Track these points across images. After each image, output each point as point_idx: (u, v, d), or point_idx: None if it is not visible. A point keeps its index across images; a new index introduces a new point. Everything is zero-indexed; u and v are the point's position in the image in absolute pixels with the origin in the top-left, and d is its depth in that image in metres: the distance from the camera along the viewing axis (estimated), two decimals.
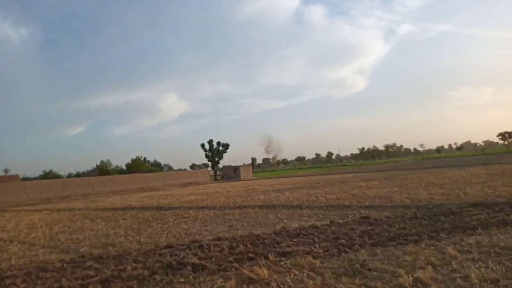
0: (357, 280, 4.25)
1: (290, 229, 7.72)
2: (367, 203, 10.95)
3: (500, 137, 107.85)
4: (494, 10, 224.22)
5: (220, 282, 4.60)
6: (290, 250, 5.61)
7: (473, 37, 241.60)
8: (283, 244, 6.06)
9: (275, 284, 4.28)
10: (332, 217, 9.16)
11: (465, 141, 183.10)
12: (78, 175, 66.54)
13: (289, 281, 4.39)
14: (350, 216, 9.01)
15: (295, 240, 6.46)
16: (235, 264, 5.19)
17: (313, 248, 5.69)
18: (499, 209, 7.91)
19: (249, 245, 6.24)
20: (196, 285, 4.59)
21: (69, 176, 68.15)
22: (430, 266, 4.51)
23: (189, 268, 5.15)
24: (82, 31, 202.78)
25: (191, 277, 4.86)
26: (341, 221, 8.23)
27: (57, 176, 62.26)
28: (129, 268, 5.43)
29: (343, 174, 37.72)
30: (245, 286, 4.37)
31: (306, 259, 5.18)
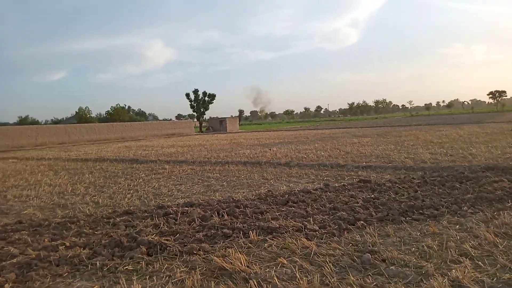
0: (370, 279, 3.04)
1: (277, 193, 6.48)
2: (364, 163, 9.78)
3: (490, 95, 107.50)
4: None
5: (180, 273, 3.34)
6: (277, 225, 4.37)
7: None
8: (269, 216, 4.82)
9: (255, 283, 3.04)
10: (326, 179, 7.95)
11: (453, 99, 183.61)
12: (56, 122, 63.71)
13: (275, 276, 3.15)
14: (346, 178, 7.82)
15: (283, 209, 5.22)
16: (205, 245, 3.93)
17: (306, 223, 4.46)
18: None
19: (225, 215, 4.98)
20: (147, 277, 3.33)
21: (46, 123, 65.32)
22: (466, 259, 3.32)
23: (144, 248, 3.87)
24: None
25: (142, 264, 3.59)
26: (337, 185, 7.02)
27: (34, 123, 59.52)
28: (66, 244, 4.12)
29: (333, 129, 36.67)
30: (212, 283, 3.12)
31: (298, 240, 3.95)
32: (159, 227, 4.66)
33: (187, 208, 5.51)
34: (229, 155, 14.08)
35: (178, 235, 4.28)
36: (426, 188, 6.13)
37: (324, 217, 4.67)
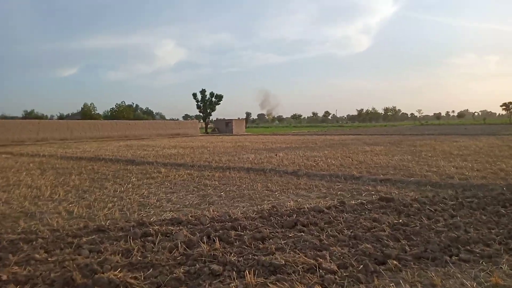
0: None
1: (283, 210, 5.43)
2: (381, 175, 8.69)
3: (504, 107, 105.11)
4: None
5: None
6: (283, 261, 3.32)
7: (481, 5, 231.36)
8: (272, 245, 3.78)
9: None
10: (339, 193, 6.89)
11: (463, 109, 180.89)
12: (61, 117, 63.10)
13: None
14: (364, 194, 6.75)
15: (290, 235, 4.18)
16: None
17: (320, 258, 3.41)
18: None
19: (217, 241, 3.94)
20: None
21: (51, 118, 64.75)
22: None
23: None
24: None
25: None
26: (353, 202, 5.95)
27: (38, 117, 58.97)
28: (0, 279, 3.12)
29: (341, 135, 35.49)
30: None
31: None
32: (131, 254, 3.64)
33: (171, 228, 4.48)
34: (232, 160, 13.06)
35: (152, 269, 3.26)
36: (465, 213, 5.03)
37: (343, 251, 3.61)
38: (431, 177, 8.34)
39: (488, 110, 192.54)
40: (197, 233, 4.26)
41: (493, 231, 4.16)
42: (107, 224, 4.97)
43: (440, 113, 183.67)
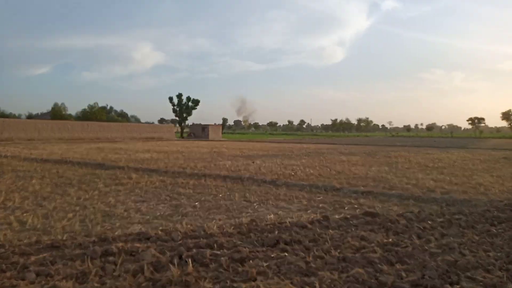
0: None
1: (263, 225, 4.99)
2: (361, 187, 8.42)
3: (470, 121, 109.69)
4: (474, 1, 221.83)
5: None
6: None
7: (452, 23, 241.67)
8: (252, 268, 3.32)
9: None
10: (321, 206, 6.52)
11: (431, 123, 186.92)
12: (30, 117, 60.14)
13: None
14: (346, 208, 6.42)
15: (272, 255, 3.74)
16: None
17: (308, 287, 2.98)
18: None
19: (190, 262, 3.45)
20: None
21: (18, 117, 61.63)
22: None
23: None
24: None
25: None
26: (337, 217, 5.59)
27: (5, 116, 55.92)
28: None
29: (317, 144, 35.57)
30: None
31: None
32: (87, 278, 3.10)
33: (138, 245, 3.94)
34: (208, 166, 12.53)
35: None
36: (455, 232, 4.76)
37: (333, 276, 3.21)
38: (412, 190, 8.14)
39: (454, 124, 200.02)
40: (167, 252, 3.75)
41: (490, 254, 3.87)
42: (64, 238, 4.37)
43: (409, 125, 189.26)
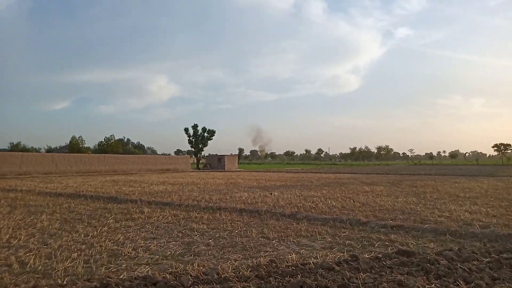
0: None
1: (284, 266, 4.44)
2: (390, 220, 7.76)
3: (495, 148, 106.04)
4: (491, 22, 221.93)
5: None
6: None
7: (467, 47, 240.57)
8: None
9: None
10: (348, 243, 5.91)
11: (454, 150, 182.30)
12: (49, 151, 61.40)
13: None
14: (376, 245, 5.79)
15: None
16: None
17: None
18: None
19: None
20: None
21: (37, 151, 62.93)
22: None
23: None
24: (72, 1, 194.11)
25: None
26: (367, 256, 4.99)
27: (26, 150, 57.28)
28: None
29: (337, 173, 34.68)
30: None
31: None
32: None
33: None
34: (224, 198, 12.05)
35: None
36: (508, 275, 4.09)
37: None
38: (447, 223, 7.43)
39: (479, 151, 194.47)
40: None
41: None
42: (64, 282, 3.94)
43: (431, 153, 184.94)
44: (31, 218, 8.41)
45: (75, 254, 5.19)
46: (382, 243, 5.87)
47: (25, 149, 59.58)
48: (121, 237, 6.35)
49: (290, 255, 5.06)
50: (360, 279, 3.93)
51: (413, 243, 5.84)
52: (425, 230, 6.81)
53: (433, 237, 6.35)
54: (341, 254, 5.16)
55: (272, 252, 5.37)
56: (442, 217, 8.31)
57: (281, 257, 5.02)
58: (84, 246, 5.74)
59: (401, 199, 12.02)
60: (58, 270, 4.44)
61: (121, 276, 4.14)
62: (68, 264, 4.72)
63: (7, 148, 64.95)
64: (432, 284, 3.77)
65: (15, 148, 62.32)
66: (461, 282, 3.83)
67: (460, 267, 4.37)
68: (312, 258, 4.87)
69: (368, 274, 4.15)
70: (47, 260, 4.92)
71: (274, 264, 4.55)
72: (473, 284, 3.79)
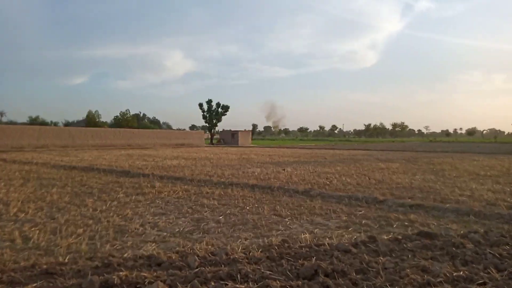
0: None
1: (297, 247, 4.18)
2: (408, 199, 7.41)
3: None
4: None
5: None
6: None
7: (489, 21, 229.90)
8: None
9: None
10: (364, 222, 5.61)
11: (471, 127, 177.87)
12: (66, 124, 62.30)
13: None
14: (395, 225, 5.47)
15: None
16: None
17: None
18: None
19: None
20: None
21: (55, 125, 63.93)
22: None
23: None
24: None
25: None
26: (386, 237, 4.68)
27: (44, 123, 58.21)
28: None
29: (351, 150, 34.15)
30: None
31: None
32: None
33: (145, 274, 3.25)
34: (236, 174, 11.84)
35: None
36: None
37: None
38: (469, 203, 7.03)
39: (497, 128, 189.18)
40: (179, 285, 3.02)
41: None
42: (65, 260, 3.76)
43: (448, 130, 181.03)
44: (42, 191, 8.35)
45: (81, 230, 5.04)
46: (401, 223, 5.55)
47: (44, 123, 60.54)
48: (129, 212, 6.19)
49: (304, 234, 4.79)
50: (380, 263, 3.63)
51: (434, 224, 5.50)
52: (446, 210, 6.45)
53: (455, 217, 5.99)
54: (358, 234, 4.87)
55: (285, 231, 5.12)
56: (463, 196, 7.91)
57: (294, 236, 4.76)
58: (91, 221, 5.59)
59: (419, 176, 11.60)
60: (61, 247, 4.29)
61: (125, 255, 3.95)
62: (72, 240, 4.56)
63: (26, 121, 66.25)
64: (461, 272, 3.45)
65: (34, 122, 63.40)
66: (493, 270, 3.49)
67: (490, 252, 4.02)
68: (327, 239, 4.59)
69: (388, 258, 3.84)
70: (51, 236, 4.78)
71: (286, 245, 4.29)
72: (506, 272, 3.45)
